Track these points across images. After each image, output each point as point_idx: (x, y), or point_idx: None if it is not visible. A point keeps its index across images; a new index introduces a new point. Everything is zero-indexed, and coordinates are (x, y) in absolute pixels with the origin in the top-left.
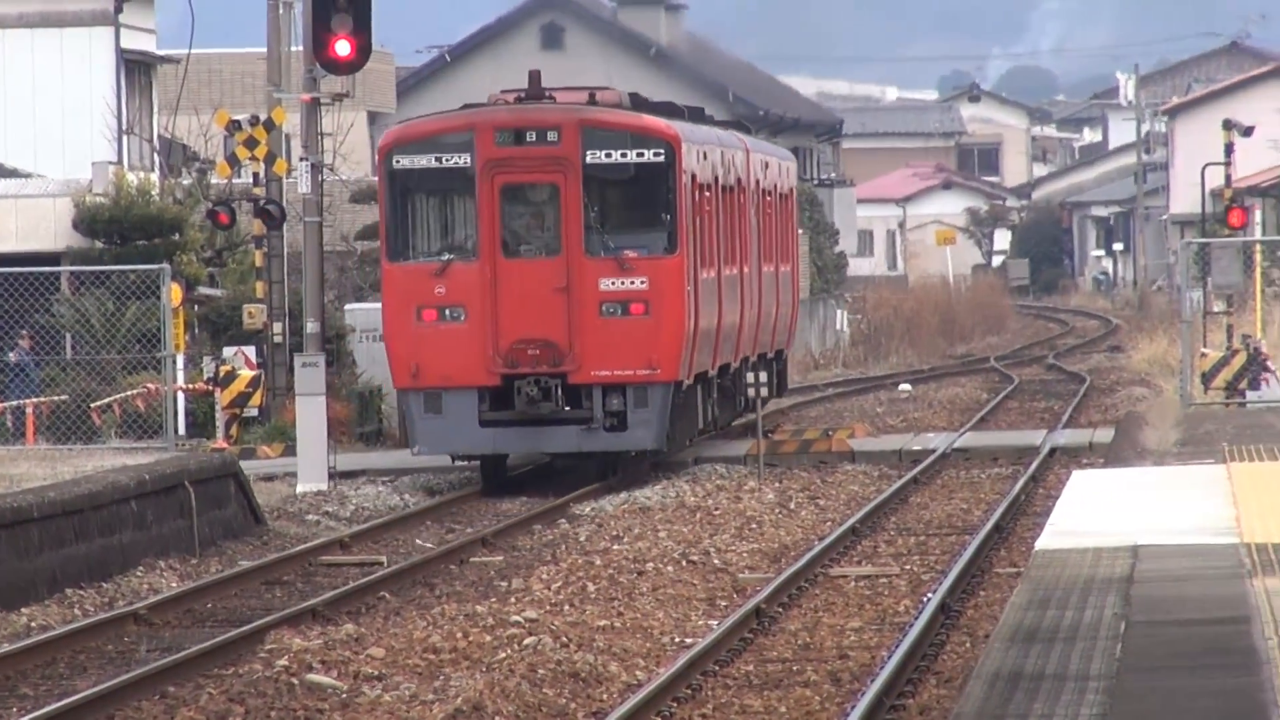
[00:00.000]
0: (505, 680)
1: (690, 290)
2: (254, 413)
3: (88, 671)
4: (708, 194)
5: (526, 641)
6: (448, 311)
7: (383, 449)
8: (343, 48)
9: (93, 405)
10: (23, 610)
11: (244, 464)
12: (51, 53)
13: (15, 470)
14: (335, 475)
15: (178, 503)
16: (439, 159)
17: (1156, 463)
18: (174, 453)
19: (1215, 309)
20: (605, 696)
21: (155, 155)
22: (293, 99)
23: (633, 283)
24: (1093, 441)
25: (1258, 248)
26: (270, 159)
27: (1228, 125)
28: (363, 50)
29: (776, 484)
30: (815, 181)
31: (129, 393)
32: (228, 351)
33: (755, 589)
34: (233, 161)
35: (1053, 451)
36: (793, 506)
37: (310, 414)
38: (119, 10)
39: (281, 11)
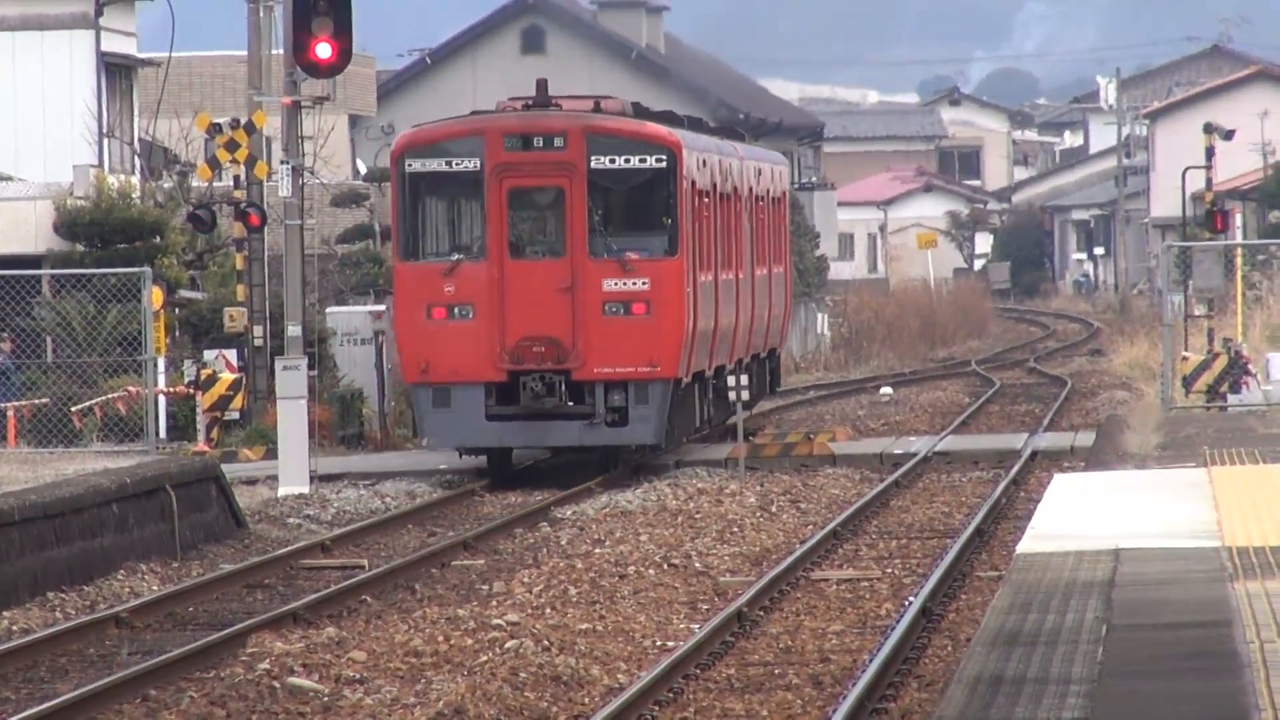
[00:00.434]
0: (487, 683)
1: (690, 292)
2: (235, 416)
3: (69, 675)
4: (706, 199)
5: (508, 645)
6: (456, 309)
7: (364, 452)
8: (323, 51)
9: (74, 408)
10: (3, 613)
11: (225, 467)
12: (32, 56)
13: None
14: (316, 478)
15: (159, 506)
16: (449, 163)
17: (1138, 466)
18: (155, 456)
19: (1196, 312)
20: (587, 700)
21: (136, 158)
22: (273, 102)
23: (635, 283)
24: (1074, 445)
25: (1239, 251)
26: (251, 162)
27: (1208, 129)
28: (344, 53)
29: (758, 487)
30: (796, 185)
31: (110, 396)
32: (209, 355)
33: (737, 592)
34: (213, 164)
35: (1034, 455)
36: (774, 510)
37: (292, 417)
38: (99, 13)
39: (262, 14)
